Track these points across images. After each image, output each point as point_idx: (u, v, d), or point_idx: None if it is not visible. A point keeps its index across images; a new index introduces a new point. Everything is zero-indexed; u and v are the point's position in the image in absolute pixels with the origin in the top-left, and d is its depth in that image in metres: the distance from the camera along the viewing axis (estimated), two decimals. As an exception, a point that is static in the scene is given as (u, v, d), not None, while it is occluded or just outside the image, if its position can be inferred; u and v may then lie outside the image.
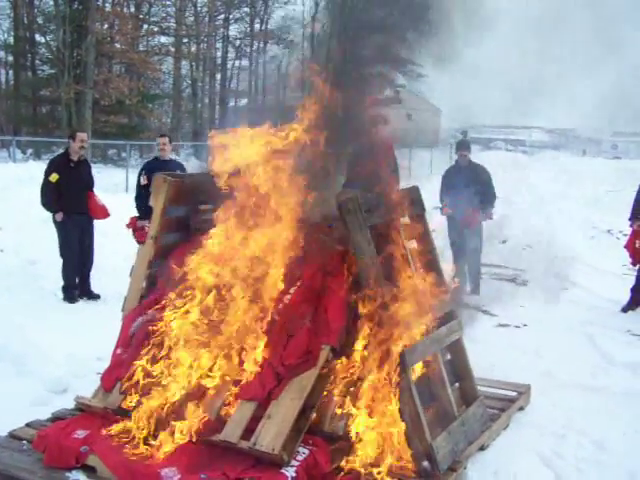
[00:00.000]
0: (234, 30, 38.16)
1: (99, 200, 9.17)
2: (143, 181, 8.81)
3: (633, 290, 9.25)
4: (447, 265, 5.76)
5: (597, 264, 12.09)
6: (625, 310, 9.16)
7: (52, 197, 8.95)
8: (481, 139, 40.62)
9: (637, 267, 9.36)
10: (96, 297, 9.09)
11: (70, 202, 8.91)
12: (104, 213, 9.20)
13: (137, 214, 8.63)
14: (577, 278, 10.95)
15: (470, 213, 9.47)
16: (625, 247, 9.59)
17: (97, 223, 9.29)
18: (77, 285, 9.13)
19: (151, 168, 8.69)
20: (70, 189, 8.89)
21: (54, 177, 8.91)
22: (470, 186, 9.35)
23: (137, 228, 8.55)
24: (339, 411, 4.50)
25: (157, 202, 5.23)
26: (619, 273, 11.21)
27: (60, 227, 9.03)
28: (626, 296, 9.27)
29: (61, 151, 9.58)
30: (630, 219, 9.40)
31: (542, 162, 29.05)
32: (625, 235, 10.69)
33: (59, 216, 8.94)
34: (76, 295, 9.02)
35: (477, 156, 12.20)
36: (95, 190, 9.35)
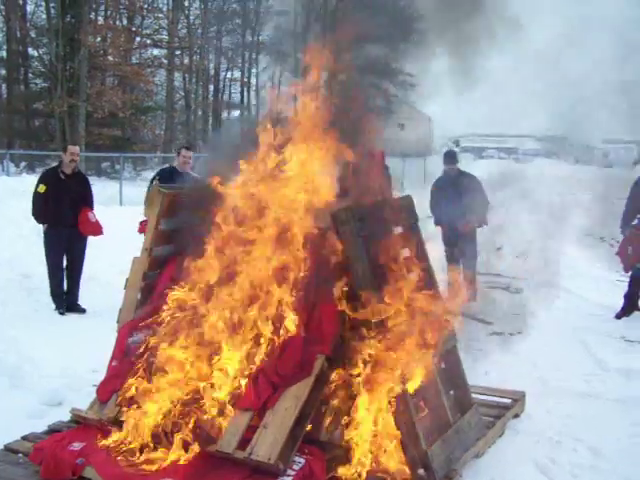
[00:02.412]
0: (226, 42, 38.28)
1: (92, 217, 9.06)
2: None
3: (626, 296, 9.30)
4: (442, 273, 5.79)
5: (590, 271, 12.14)
6: (619, 316, 9.20)
7: (39, 208, 8.98)
8: (474, 148, 40.78)
9: (630, 274, 9.41)
10: (82, 311, 9.02)
11: (57, 214, 8.88)
12: (96, 230, 9.11)
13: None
14: (571, 285, 10.99)
15: (463, 221, 9.46)
16: (617, 254, 9.64)
17: (92, 237, 9.26)
18: (64, 297, 9.10)
19: (165, 176, 8.54)
20: (58, 201, 8.87)
21: (42, 188, 8.94)
22: (460, 195, 9.34)
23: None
24: (335, 420, 4.51)
25: (151, 214, 5.26)
26: (612, 280, 11.26)
27: (45, 238, 9.06)
28: (619, 302, 9.32)
29: (55, 164, 9.57)
30: (622, 226, 9.46)
31: (534, 170, 29.12)
32: (617, 242, 10.75)
33: (44, 227, 8.98)
34: (64, 305, 9.00)
35: (470, 165, 12.24)
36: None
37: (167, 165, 10.00)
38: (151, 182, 8.85)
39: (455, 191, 9.48)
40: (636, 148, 44.22)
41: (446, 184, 9.89)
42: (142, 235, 8.51)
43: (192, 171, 8.74)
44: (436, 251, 6.14)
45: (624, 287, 9.51)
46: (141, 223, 8.44)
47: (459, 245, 9.62)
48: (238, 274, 4.69)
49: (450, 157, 10.21)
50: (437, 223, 9.96)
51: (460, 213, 9.27)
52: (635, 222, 9.29)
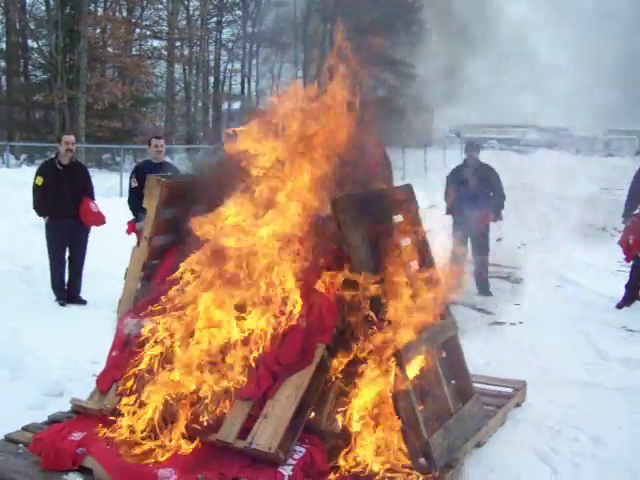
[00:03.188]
0: (227, 33, 38.19)
1: (94, 207, 8.99)
2: (133, 184, 8.64)
3: (627, 286, 9.28)
4: (444, 263, 5.76)
5: (592, 261, 12.12)
6: (620, 306, 9.19)
7: (38, 200, 8.93)
8: (475, 139, 40.64)
9: (631, 263, 9.40)
10: (82, 302, 8.99)
11: (57, 206, 8.82)
12: (98, 220, 9.04)
13: (132, 217, 8.55)
14: (572, 275, 10.98)
15: (481, 214, 9.35)
16: (619, 244, 9.63)
17: (93, 228, 9.21)
18: (65, 288, 9.07)
19: (143, 170, 8.41)
20: (57, 193, 8.80)
21: (39, 180, 8.89)
22: (480, 186, 9.31)
23: (137, 231, 8.48)
24: (335, 409, 4.50)
25: (151, 204, 5.22)
26: (613, 270, 11.25)
27: (47, 230, 9.00)
28: (620, 292, 9.30)
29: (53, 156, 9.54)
30: (623, 216, 9.45)
31: (536, 161, 29.12)
32: (619, 232, 10.72)
33: (46, 219, 8.94)
34: (64, 297, 8.97)
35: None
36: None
37: (140, 160, 9.93)
38: (130, 179, 8.84)
39: (474, 182, 9.43)
40: (637, 139, 44.20)
41: (466, 174, 9.78)
42: (131, 236, 8.59)
43: (180, 161, 8.73)
44: (442, 239, 6.11)
45: (625, 277, 9.49)
46: (129, 223, 8.48)
47: (470, 238, 9.51)
48: (239, 264, 4.67)
49: (473, 146, 10.16)
50: (449, 212, 9.83)
51: (477, 205, 9.18)
52: (637, 211, 9.27)
